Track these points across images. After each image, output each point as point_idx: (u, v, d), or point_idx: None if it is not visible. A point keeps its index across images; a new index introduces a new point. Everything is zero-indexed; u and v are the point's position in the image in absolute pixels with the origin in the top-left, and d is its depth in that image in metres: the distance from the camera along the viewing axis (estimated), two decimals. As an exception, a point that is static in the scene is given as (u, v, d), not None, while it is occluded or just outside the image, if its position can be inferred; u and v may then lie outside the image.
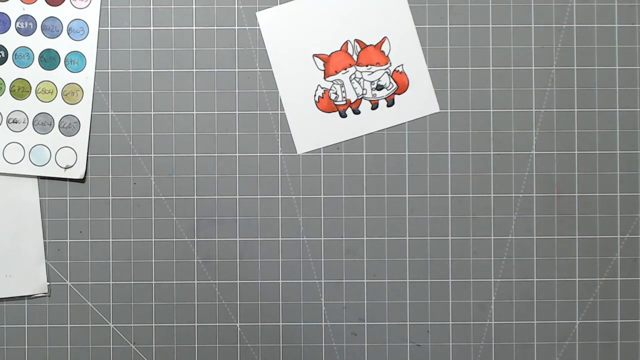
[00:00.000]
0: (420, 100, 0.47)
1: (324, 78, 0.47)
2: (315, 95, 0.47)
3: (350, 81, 0.47)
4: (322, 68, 0.47)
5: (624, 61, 0.47)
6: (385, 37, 0.47)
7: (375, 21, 0.47)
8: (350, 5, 0.47)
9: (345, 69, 0.47)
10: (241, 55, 0.47)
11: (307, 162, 0.47)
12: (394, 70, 0.47)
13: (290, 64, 0.47)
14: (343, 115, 0.47)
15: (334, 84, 0.47)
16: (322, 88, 0.47)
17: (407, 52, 0.47)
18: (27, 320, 0.47)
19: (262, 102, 0.47)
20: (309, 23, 0.47)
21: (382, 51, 0.47)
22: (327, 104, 0.47)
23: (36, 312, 0.46)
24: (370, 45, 0.47)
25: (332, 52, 0.47)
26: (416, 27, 0.47)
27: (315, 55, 0.47)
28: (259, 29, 0.47)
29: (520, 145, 0.47)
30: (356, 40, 0.47)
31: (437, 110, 0.47)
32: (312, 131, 0.47)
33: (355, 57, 0.47)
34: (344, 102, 0.47)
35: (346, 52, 0.47)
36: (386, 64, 0.47)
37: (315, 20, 0.47)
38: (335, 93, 0.47)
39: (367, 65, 0.47)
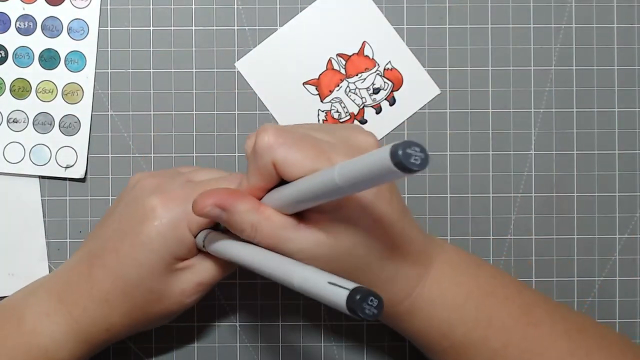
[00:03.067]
0: (419, 89, 0.47)
1: (321, 101, 0.47)
2: (318, 120, 0.47)
3: (347, 95, 0.47)
4: (316, 92, 0.47)
5: (623, 61, 0.47)
6: (364, 41, 0.47)
7: (350, 30, 0.47)
8: (320, 24, 0.47)
9: (338, 85, 0.47)
10: (241, 55, 0.47)
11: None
12: (384, 69, 0.47)
13: (284, 100, 0.47)
14: None
15: (332, 103, 0.47)
16: (323, 111, 0.47)
17: (390, 47, 0.47)
18: (27, 319, 0.47)
19: (262, 102, 0.47)
20: (287, 55, 0.47)
21: (366, 56, 0.47)
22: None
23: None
24: (353, 54, 0.47)
25: (320, 74, 0.47)
26: (416, 28, 0.47)
27: (305, 83, 0.47)
28: (258, 29, 0.47)
29: (519, 145, 0.47)
30: (338, 55, 0.47)
31: (439, 92, 0.47)
32: None
33: (342, 70, 0.47)
34: (348, 117, 0.47)
35: (333, 69, 0.47)
36: (374, 66, 0.47)
37: (292, 51, 0.47)
38: (337, 111, 0.47)
39: (357, 75, 0.47)
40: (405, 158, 0.25)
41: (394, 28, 0.47)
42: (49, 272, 0.47)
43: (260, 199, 0.36)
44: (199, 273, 0.40)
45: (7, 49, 0.46)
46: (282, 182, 0.34)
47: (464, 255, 0.40)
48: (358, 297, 0.28)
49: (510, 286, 0.40)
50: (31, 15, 0.46)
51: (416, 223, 0.38)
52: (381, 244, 0.35)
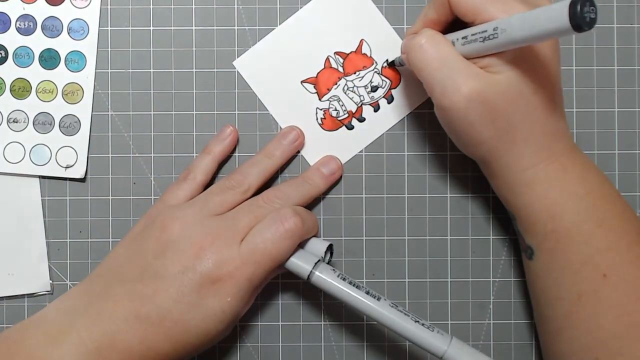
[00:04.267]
0: (417, 86, 0.47)
1: (319, 99, 0.47)
2: (317, 118, 0.47)
3: (345, 93, 0.47)
4: (314, 91, 0.47)
5: (623, 61, 0.47)
6: (362, 39, 0.47)
7: (347, 29, 0.47)
8: (318, 22, 0.47)
9: (336, 84, 0.47)
10: (241, 55, 0.47)
11: (307, 162, 0.47)
12: (382, 67, 0.47)
13: (282, 98, 0.47)
14: (350, 127, 0.47)
15: (330, 101, 0.47)
16: (321, 109, 0.47)
17: (388, 45, 0.47)
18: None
19: (262, 102, 0.47)
20: (285, 54, 0.47)
21: (364, 54, 0.47)
22: (331, 122, 0.47)
23: (36, 311, 0.46)
24: (351, 52, 0.47)
25: (318, 72, 0.47)
26: (415, 27, 0.47)
27: (303, 82, 0.47)
28: (257, 29, 0.47)
29: (519, 145, 0.47)
30: (336, 53, 0.47)
31: None
32: (327, 154, 0.47)
33: (340, 69, 0.47)
34: (347, 115, 0.47)
35: (331, 67, 0.47)
36: (372, 64, 0.47)
37: (290, 49, 0.47)
38: (335, 109, 0.47)
39: (355, 73, 0.47)
40: (582, 17, 0.30)
41: (394, 28, 0.47)
42: (49, 272, 0.47)
43: None
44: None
45: (7, 49, 0.46)
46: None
47: (597, 167, 0.41)
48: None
49: (629, 208, 0.40)
50: (31, 15, 0.46)
51: (565, 118, 0.41)
52: (531, 95, 0.38)
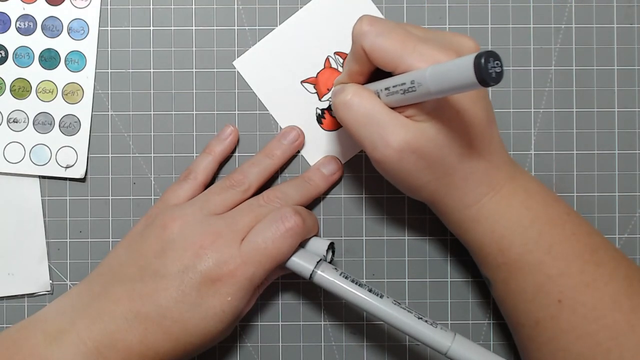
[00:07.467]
0: None
1: (319, 99, 0.47)
2: (317, 118, 0.47)
3: None
4: (314, 91, 0.47)
5: (623, 61, 0.47)
6: None
7: (347, 29, 0.47)
8: (318, 23, 0.47)
9: None
10: (241, 55, 0.47)
11: (307, 162, 0.47)
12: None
13: (282, 98, 0.47)
14: None
15: (330, 101, 0.47)
16: (321, 109, 0.47)
17: None
18: (28, 319, 0.47)
19: (262, 102, 0.47)
20: (285, 54, 0.47)
21: None
22: (331, 122, 0.47)
23: (36, 311, 0.46)
24: None
25: (318, 73, 0.47)
26: (415, 27, 0.47)
27: (303, 82, 0.47)
28: (257, 29, 0.47)
29: (519, 145, 0.47)
30: (336, 53, 0.47)
31: None
32: (328, 153, 0.47)
33: (340, 69, 0.47)
34: None
35: (331, 67, 0.47)
36: None
37: (290, 49, 0.47)
38: None
39: None
40: (487, 72, 0.30)
41: (394, 28, 0.47)
42: (49, 272, 0.47)
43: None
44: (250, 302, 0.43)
45: (7, 49, 0.46)
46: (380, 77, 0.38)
47: (543, 187, 0.41)
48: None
49: (581, 226, 0.40)
50: (31, 15, 0.46)
51: (503, 145, 0.40)
52: (460, 138, 0.37)
